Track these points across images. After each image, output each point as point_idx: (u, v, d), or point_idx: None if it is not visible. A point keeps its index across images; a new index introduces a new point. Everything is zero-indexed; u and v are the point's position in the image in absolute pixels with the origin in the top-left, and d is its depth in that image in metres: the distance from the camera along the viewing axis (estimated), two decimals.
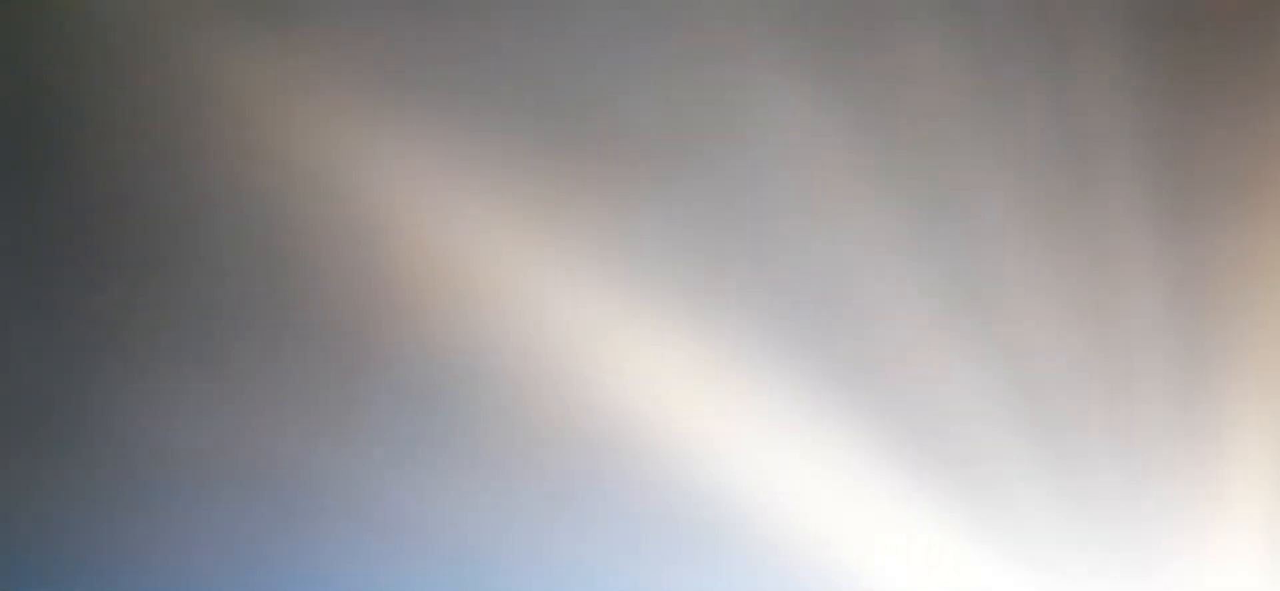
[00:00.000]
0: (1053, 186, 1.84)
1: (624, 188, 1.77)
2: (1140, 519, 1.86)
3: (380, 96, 1.73)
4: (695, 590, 1.81)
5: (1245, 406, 1.86)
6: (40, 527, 1.76)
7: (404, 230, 1.75)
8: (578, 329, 1.78)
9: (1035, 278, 1.84)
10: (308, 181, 1.73)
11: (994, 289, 1.83)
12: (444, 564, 1.78)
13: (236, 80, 1.71)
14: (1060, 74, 1.82)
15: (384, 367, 1.76)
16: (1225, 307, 1.86)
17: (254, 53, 1.71)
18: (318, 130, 1.73)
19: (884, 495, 1.84)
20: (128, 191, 1.72)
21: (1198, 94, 1.84)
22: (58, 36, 1.69)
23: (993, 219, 1.82)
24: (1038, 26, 1.81)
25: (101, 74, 1.70)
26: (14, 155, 1.70)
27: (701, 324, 1.80)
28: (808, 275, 1.81)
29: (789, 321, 1.81)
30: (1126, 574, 1.85)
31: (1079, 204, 1.84)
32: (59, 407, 1.74)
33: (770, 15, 1.78)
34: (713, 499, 1.81)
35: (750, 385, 1.81)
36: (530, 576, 1.78)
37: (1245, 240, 1.85)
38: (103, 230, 1.72)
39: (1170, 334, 1.86)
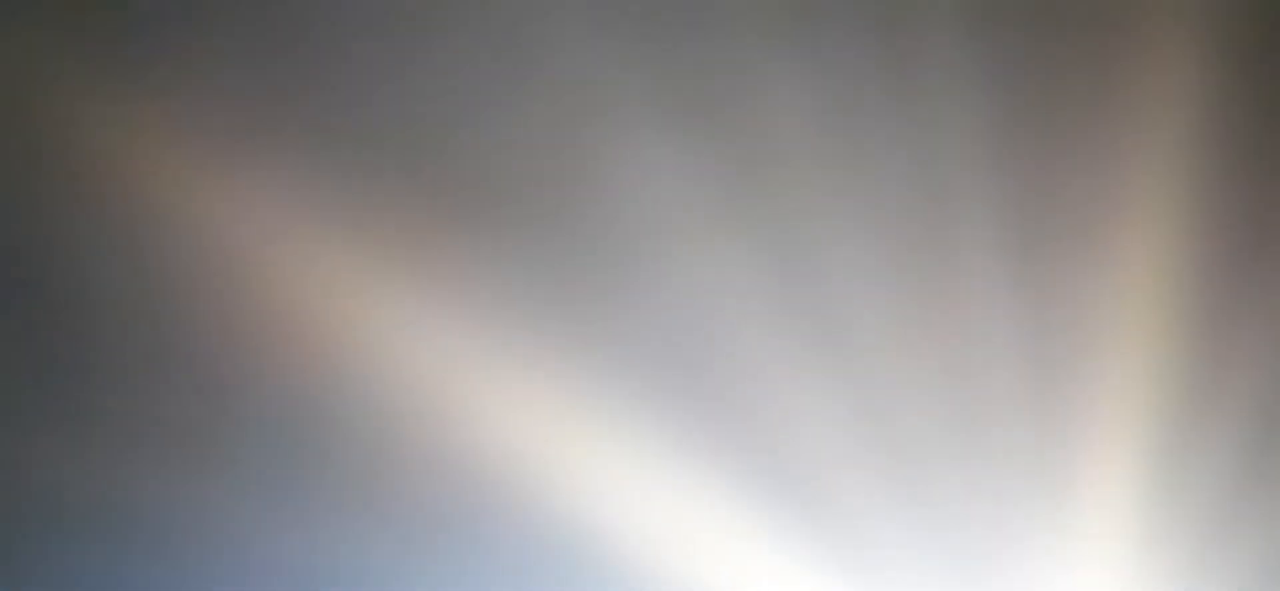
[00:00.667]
0: (907, 228, 1.88)
1: (487, 229, 1.81)
2: (991, 552, 1.92)
3: (243, 138, 1.76)
4: None
5: (1094, 443, 1.92)
6: None
7: (267, 269, 1.78)
8: (441, 368, 1.82)
9: (889, 317, 1.88)
10: (169, 222, 1.76)
11: (849, 328, 1.88)
12: None
13: (98, 127, 1.74)
14: (914, 120, 1.86)
15: (247, 407, 1.80)
16: (1074, 344, 1.91)
17: (113, 97, 1.74)
18: (179, 170, 1.76)
19: (743, 529, 1.90)
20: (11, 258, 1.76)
21: (1050, 143, 1.88)
22: None
23: (847, 259, 1.87)
24: (892, 74, 1.85)
25: None
26: None
27: (563, 362, 1.84)
28: (668, 315, 1.85)
29: (650, 359, 1.85)
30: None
31: (933, 245, 1.88)
32: None
33: (632, 62, 1.81)
34: (573, 534, 1.86)
35: (610, 422, 1.85)
36: None
37: (1096, 280, 1.90)
38: None
39: (1021, 371, 1.91)
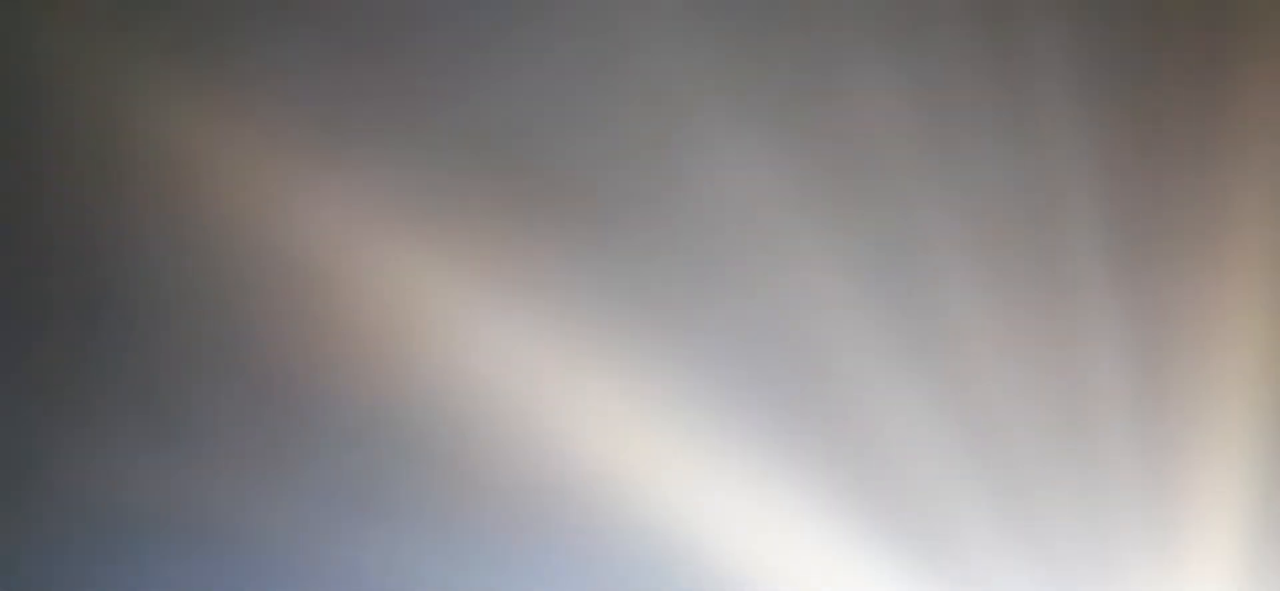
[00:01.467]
0: (1010, 229, 1.80)
1: (571, 231, 1.75)
2: (1096, 562, 1.83)
3: (324, 141, 1.71)
4: None
5: (1204, 450, 1.83)
6: None
7: (346, 275, 1.72)
8: (523, 374, 1.75)
9: (990, 321, 1.80)
10: (249, 225, 1.71)
11: (947, 332, 1.80)
12: None
13: (177, 125, 1.69)
14: (1018, 119, 1.78)
15: (325, 415, 1.74)
16: (1184, 352, 1.83)
17: (194, 96, 1.69)
18: (259, 174, 1.70)
19: (833, 541, 1.82)
20: (67, 237, 1.70)
21: (1159, 143, 1.80)
22: None
23: (946, 261, 1.79)
24: (996, 73, 1.78)
25: (39, 119, 1.68)
26: None
27: (649, 368, 1.77)
28: (757, 320, 1.78)
29: (737, 367, 1.78)
30: None
31: (1037, 247, 1.81)
32: None
33: (721, 59, 1.75)
34: (659, 544, 1.78)
35: (698, 431, 1.78)
36: None
37: (1206, 284, 1.82)
38: (41, 276, 1.70)
39: (1128, 378, 1.83)
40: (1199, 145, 1.78)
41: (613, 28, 1.73)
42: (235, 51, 1.69)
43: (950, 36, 1.76)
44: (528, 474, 1.75)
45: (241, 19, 1.69)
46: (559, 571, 1.77)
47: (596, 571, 1.78)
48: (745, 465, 1.79)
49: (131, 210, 1.69)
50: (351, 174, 1.70)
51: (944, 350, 1.80)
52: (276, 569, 1.74)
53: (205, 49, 1.69)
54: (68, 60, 1.67)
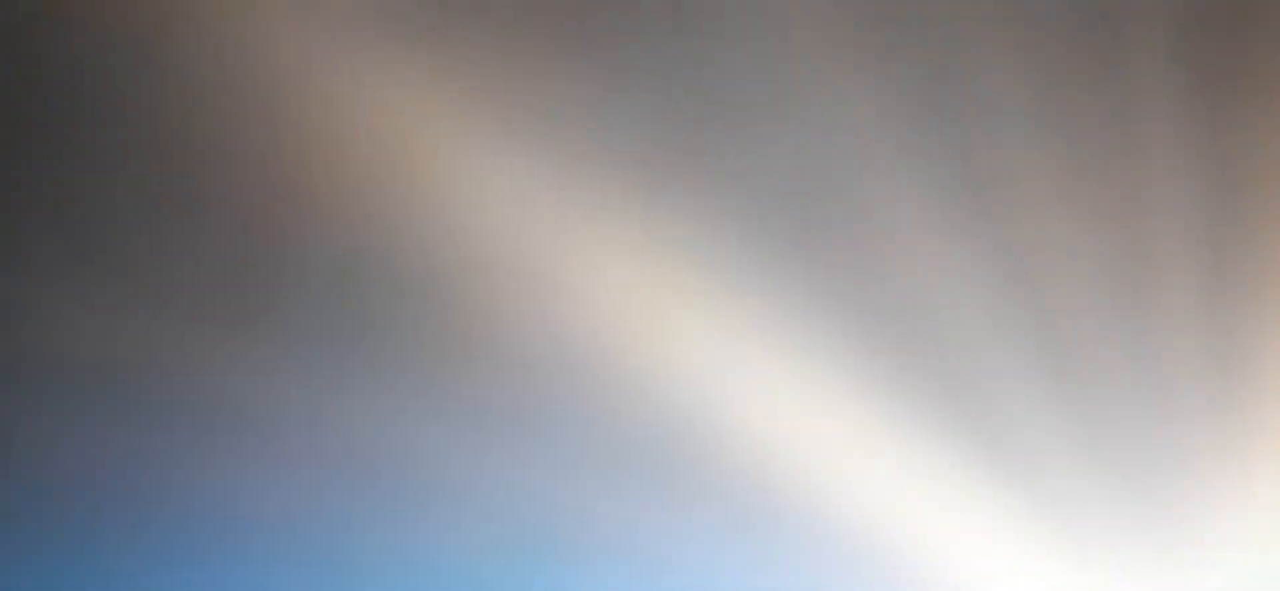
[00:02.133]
0: (1068, 55, 1.59)
1: (586, 51, 1.52)
2: (1162, 465, 1.64)
3: None
4: (654, 526, 1.57)
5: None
6: None
7: (322, 98, 1.49)
8: (529, 219, 1.53)
9: (1046, 158, 1.60)
10: (210, 38, 1.46)
11: (999, 171, 1.60)
12: (361, 486, 1.54)
13: None
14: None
15: (299, 262, 1.51)
16: (1262, 203, 1.63)
17: None
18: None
19: (870, 409, 1.61)
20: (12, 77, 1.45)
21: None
22: None
23: (999, 91, 1.58)
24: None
25: None
26: None
27: (668, 219, 1.55)
28: (792, 166, 1.56)
29: (770, 220, 1.57)
30: (1145, 527, 1.63)
31: (1097, 77, 1.60)
32: None
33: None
34: (683, 426, 1.57)
35: (725, 294, 1.57)
36: (459, 505, 1.55)
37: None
38: None
39: (1197, 229, 1.63)
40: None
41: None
42: None
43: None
44: (532, 336, 1.53)
45: None
46: (564, 445, 1.55)
47: (607, 454, 1.56)
48: (774, 326, 1.58)
49: (71, 14, 1.44)
50: None
51: (993, 191, 1.59)
52: (243, 434, 1.52)
53: None
54: None
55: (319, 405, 1.53)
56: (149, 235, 1.49)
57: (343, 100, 1.48)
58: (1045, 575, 1.65)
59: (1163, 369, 1.63)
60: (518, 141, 1.50)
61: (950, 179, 1.59)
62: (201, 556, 1.53)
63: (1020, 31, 1.58)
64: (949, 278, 1.59)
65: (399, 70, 1.48)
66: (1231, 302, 1.63)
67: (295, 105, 1.48)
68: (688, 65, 1.53)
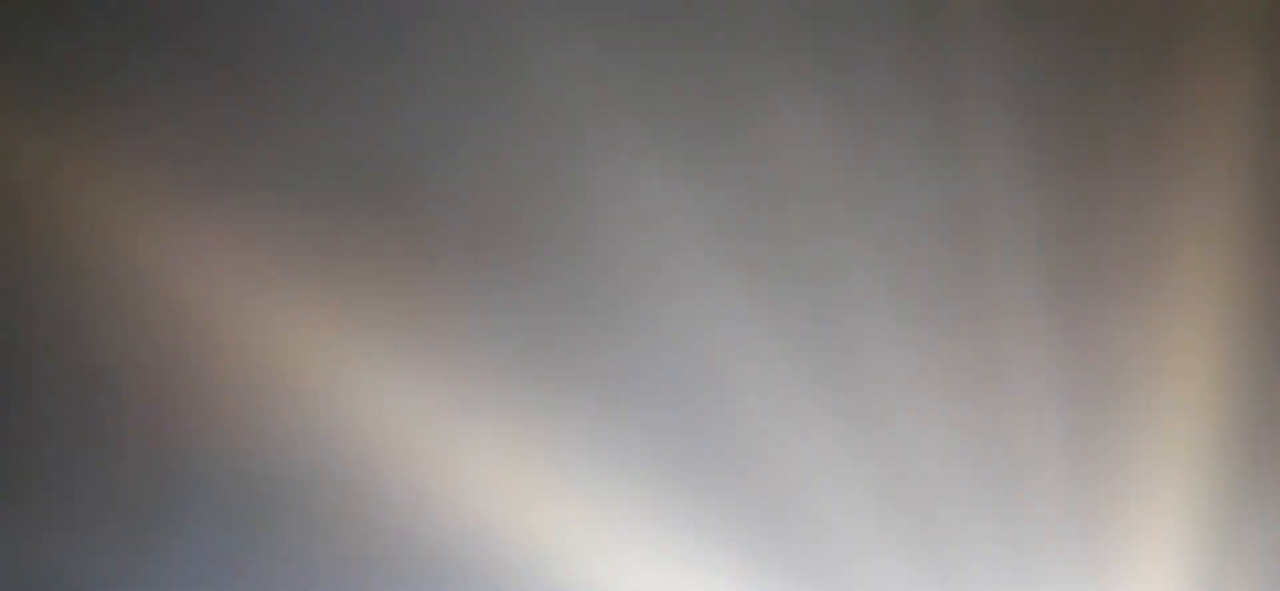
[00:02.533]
0: (935, 256, 1.67)
1: (462, 272, 1.60)
2: None
3: (192, 169, 1.56)
4: None
5: (1143, 507, 1.70)
6: None
7: (219, 317, 1.57)
8: (415, 428, 1.60)
9: (913, 357, 1.67)
10: (105, 264, 1.55)
11: (868, 379, 1.67)
12: None
13: (30, 160, 1.53)
14: (946, 140, 1.66)
15: (194, 472, 1.58)
16: (1121, 390, 1.70)
17: (50, 131, 1.53)
18: (118, 204, 1.55)
19: None
20: None
21: (1095, 165, 1.68)
22: None
23: (868, 295, 1.66)
24: (922, 91, 1.65)
25: None
26: None
27: (549, 416, 1.63)
28: (663, 363, 1.64)
29: (644, 415, 1.64)
30: None
31: (963, 276, 1.67)
32: None
33: (625, 83, 1.61)
34: None
35: (600, 484, 1.64)
36: None
37: (1145, 314, 1.69)
38: None
39: (1061, 423, 1.70)
40: (1138, 168, 1.66)
41: (506, 52, 1.59)
42: (95, 82, 1.54)
43: (872, 53, 1.63)
44: (417, 540, 1.60)
45: (102, 50, 1.54)
46: None
47: None
48: (651, 520, 1.64)
49: None
50: (232, 206, 1.55)
51: (864, 395, 1.66)
52: None
53: (62, 82, 1.53)
54: None
55: None
56: (57, 449, 1.56)
57: (231, 321, 1.57)
58: None
59: (1024, 549, 1.69)
60: (399, 359, 1.59)
61: (819, 379, 1.66)
62: None
63: (887, 240, 1.67)
64: (816, 466, 1.66)
65: (284, 293, 1.57)
66: (1091, 465, 1.69)
67: (185, 326, 1.56)
68: (561, 282, 1.62)
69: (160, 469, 1.57)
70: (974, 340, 1.67)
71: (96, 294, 1.55)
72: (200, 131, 1.55)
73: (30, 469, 1.56)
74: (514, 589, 1.62)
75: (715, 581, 1.65)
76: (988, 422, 1.68)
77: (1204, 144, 1.67)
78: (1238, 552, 1.72)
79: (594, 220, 1.61)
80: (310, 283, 1.57)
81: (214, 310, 1.56)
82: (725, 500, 1.65)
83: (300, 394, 1.58)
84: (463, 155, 1.59)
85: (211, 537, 1.58)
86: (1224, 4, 1.66)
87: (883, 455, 1.67)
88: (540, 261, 1.61)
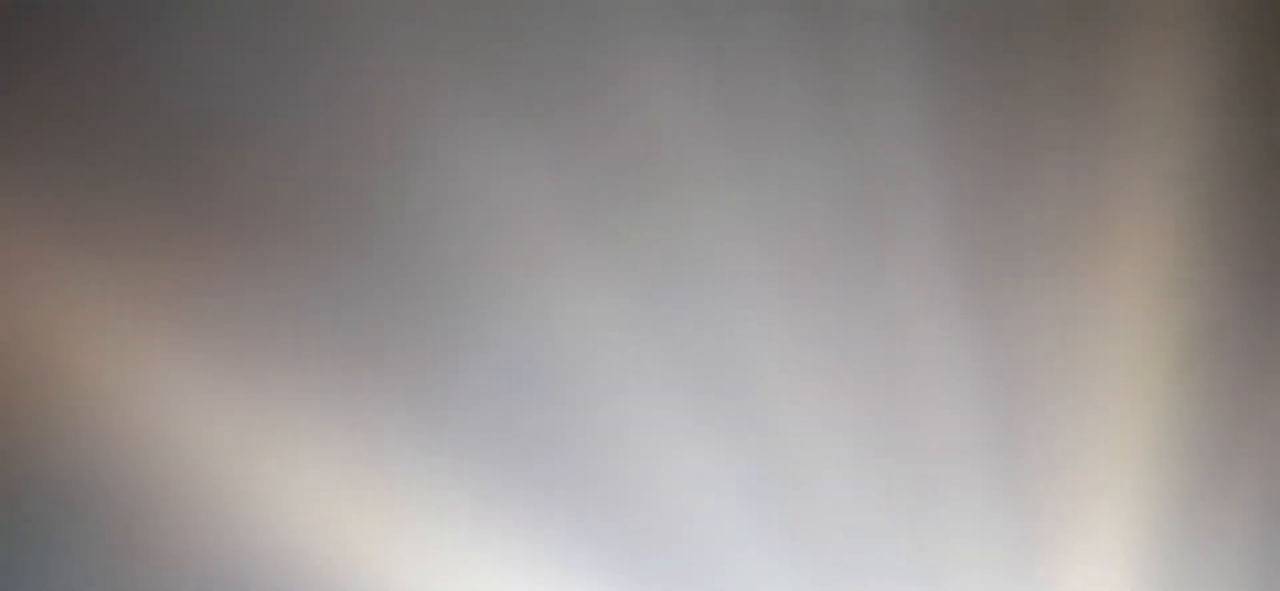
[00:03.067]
0: (826, 241, 1.48)
1: (273, 257, 1.39)
2: None
3: None
4: None
5: (1075, 529, 1.51)
6: None
7: None
8: (217, 437, 1.40)
9: (799, 355, 1.48)
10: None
11: (746, 369, 1.47)
12: None
13: None
14: (842, 113, 1.45)
15: None
16: (1040, 393, 1.51)
17: None
18: None
19: None
20: None
21: (1012, 141, 1.48)
22: None
23: (749, 283, 1.46)
24: (813, 55, 1.45)
25: None
26: None
27: (377, 422, 1.42)
28: (513, 362, 1.44)
29: (488, 419, 1.44)
30: None
31: (860, 263, 1.48)
32: None
33: (467, 43, 1.41)
34: None
35: (436, 502, 1.43)
36: None
37: (1072, 310, 1.50)
38: None
39: (981, 433, 1.50)
40: (1060, 144, 1.46)
41: (329, 6, 1.38)
42: None
43: (752, 9, 1.43)
44: (228, 562, 1.40)
45: None
46: None
47: None
48: (497, 538, 1.44)
49: None
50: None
51: (747, 401, 1.47)
52: None
53: None
54: None
55: None
56: None
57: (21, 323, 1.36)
58: None
59: (930, 548, 1.50)
60: (195, 356, 1.38)
61: (692, 382, 1.47)
62: None
63: (770, 223, 1.47)
64: (691, 476, 1.47)
65: (65, 280, 1.36)
66: (1006, 470, 1.50)
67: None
68: (393, 268, 1.41)
69: None
70: (872, 332, 1.49)
71: None
72: None
73: None
74: None
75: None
76: (888, 425, 1.49)
77: (1137, 111, 1.47)
78: (1169, 553, 1.53)
79: (434, 196, 1.41)
80: (100, 269, 1.36)
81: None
82: (587, 509, 1.45)
83: (92, 399, 1.37)
84: (281, 122, 1.39)
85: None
86: None
87: (766, 462, 1.48)
88: (372, 245, 1.40)
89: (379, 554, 1.42)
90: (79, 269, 1.35)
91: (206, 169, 1.37)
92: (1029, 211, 1.50)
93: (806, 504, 1.50)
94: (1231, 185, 1.52)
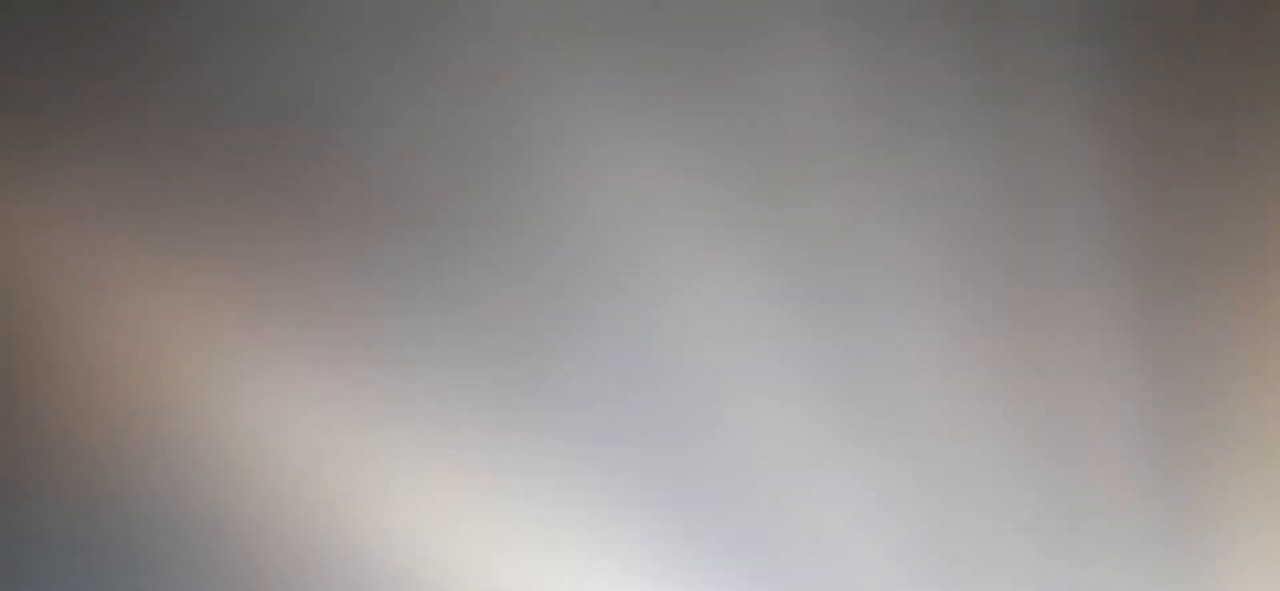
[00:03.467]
0: (982, 243, 1.37)
1: (386, 250, 1.29)
2: None
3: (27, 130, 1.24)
4: None
5: (1238, 534, 1.40)
6: None
7: (51, 297, 1.25)
8: (307, 451, 1.29)
9: (952, 364, 1.37)
10: None
11: (897, 389, 1.37)
12: None
13: None
14: (998, 111, 1.34)
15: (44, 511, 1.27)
16: (1205, 409, 1.39)
17: None
18: None
19: None
20: None
21: (1170, 142, 1.36)
22: None
23: (900, 285, 1.35)
24: (970, 52, 1.34)
25: None
26: None
27: (488, 423, 1.32)
28: (640, 365, 1.33)
29: (612, 425, 1.33)
30: None
31: (1015, 267, 1.38)
32: None
33: (590, 18, 1.30)
34: None
35: (555, 520, 1.33)
36: None
37: (1237, 319, 1.39)
38: None
39: (1133, 446, 1.39)
40: (1221, 145, 1.35)
41: None
42: None
43: (909, 6, 1.32)
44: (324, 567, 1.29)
45: None
46: None
47: None
48: (622, 543, 1.34)
49: None
50: (56, 173, 1.23)
51: (882, 398, 1.36)
52: None
53: None
54: None
55: None
56: None
57: (75, 299, 1.25)
58: None
59: (1084, 564, 1.39)
60: (296, 359, 1.27)
61: (834, 384, 1.36)
62: None
63: (924, 224, 1.36)
64: (834, 490, 1.36)
65: (140, 271, 1.26)
66: (1166, 484, 1.39)
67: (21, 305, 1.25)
68: (508, 263, 1.31)
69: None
70: (1025, 335, 1.38)
71: None
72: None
73: None
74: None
75: None
76: (1040, 430, 1.38)
77: None
78: None
79: (563, 191, 1.30)
80: (178, 268, 1.26)
81: (57, 307, 1.24)
82: (711, 530, 1.35)
83: (172, 409, 1.26)
84: (405, 113, 1.29)
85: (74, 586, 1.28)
86: None
87: (910, 468, 1.37)
88: (497, 241, 1.30)
89: (494, 555, 1.31)
90: (185, 271, 1.25)
91: (322, 163, 1.27)
92: (1187, 213, 1.40)
93: (953, 513, 1.39)
94: None
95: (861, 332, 1.35)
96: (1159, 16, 1.37)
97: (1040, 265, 1.37)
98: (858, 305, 1.35)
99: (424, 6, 1.28)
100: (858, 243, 1.34)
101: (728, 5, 1.32)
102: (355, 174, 1.27)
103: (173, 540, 1.27)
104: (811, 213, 1.33)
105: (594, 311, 1.32)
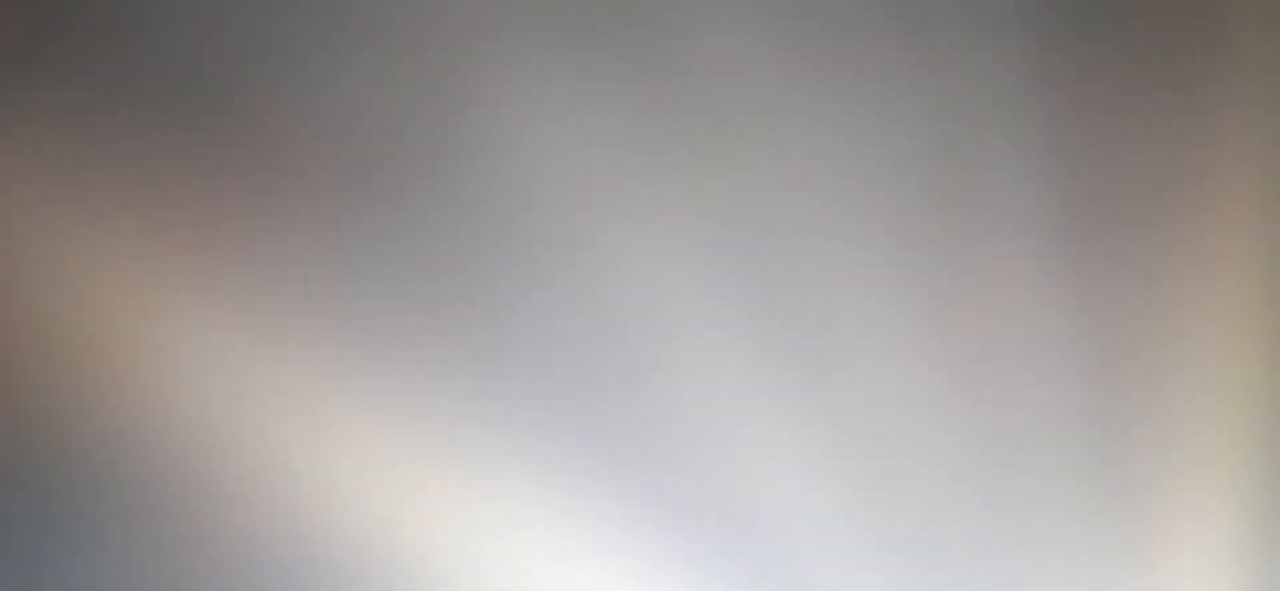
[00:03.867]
0: (914, 206, 1.39)
1: (316, 214, 1.32)
2: None
3: None
4: None
5: (1172, 492, 1.42)
6: None
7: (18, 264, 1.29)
8: (252, 413, 1.32)
9: (888, 326, 1.39)
10: None
11: (834, 339, 1.38)
12: None
13: None
14: (934, 72, 1.36)
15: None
16: (1145, 369, 1.42)
17: None
18: None
19: None
20: None
21: (1116, 109, 1.39)
22: None
23: (833, 247, 1.37)
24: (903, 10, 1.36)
25: None
26: None
27: (433, 389, 1.35)
28: (575, 325, 1.35)
29: (547, 384, 1.36)
30: None
31: (951, 230, 1.39)
32: None
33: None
34: None
35: (500, 484, 1.35)
36: None
37: (1170, 277, 1.40)
38: None
39: (1076, 421, 1.41)
40: (1164, 121, 1.37)
41: None
42: None
43: None
44: (271, 550, 1.32)
45: None
46: None
47: None
48: (556, 497, 1.36)
49: None
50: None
51: (811, 353, 1.38)
52: None
53: None
54: None
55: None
56: None
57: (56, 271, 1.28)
58: None
59: (1023, 535, 1.40)
60: (251, 314, 1.30)
61: (771, 344, 1.38)
62: None
63: (857, 185, 1.39)
64: (773, 441, 1.39)
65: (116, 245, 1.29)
66: (1110, 463, 1.40)
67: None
68: (445, 225, 1.33)
69: None
70: (965, 309, 1.40)
71: None
72: None
73: None
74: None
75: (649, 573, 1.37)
76: (985, 413, 1.40)
77: (1248, 86, 1.38)
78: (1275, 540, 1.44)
79: (492, 141, 1.32)
80: (129, 229, 1.29)
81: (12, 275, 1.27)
82: (660, 491, 1.38)
83: (128, 367, 1.29)
84: (330, 69, 1.32)
85: (29, 548, 1.30)
86: None
87: (856, 449, 1.39)
88: (426, 195, 1.32)
89: (432, 515, 1.34)
90: (110, 230, 1.28)
91: (247, 119, 1.30)
92: (1129, 188, 1.42)
93: (883, 471, 1.41)
94: None
95: (789, 283, 1.37)
96: None
97: (980, 237, 1.39)
98: (786, 256, 1.37)
99: None
100: (786, 194, 1.36)
101: None
102: (303, 151, 1.30)
103: (122, 519, 1.30)
104: (739, 163, 1.35)
105: (541, 287, 1.35)
